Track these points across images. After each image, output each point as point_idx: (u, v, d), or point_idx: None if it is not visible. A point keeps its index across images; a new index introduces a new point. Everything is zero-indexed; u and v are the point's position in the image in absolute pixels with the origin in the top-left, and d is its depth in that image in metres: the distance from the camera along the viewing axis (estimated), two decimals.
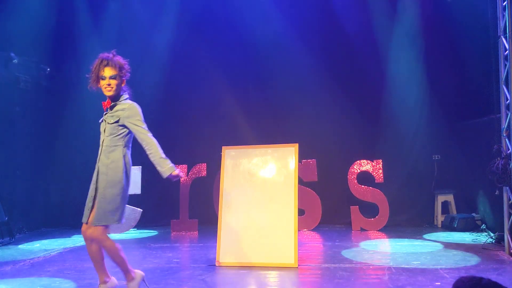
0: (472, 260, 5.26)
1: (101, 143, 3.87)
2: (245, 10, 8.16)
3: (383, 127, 8.00)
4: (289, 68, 8.21)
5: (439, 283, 4.31)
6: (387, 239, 6.79)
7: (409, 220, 7.78)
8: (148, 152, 3.86)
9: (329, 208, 7.90)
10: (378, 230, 7.40)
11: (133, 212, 7.58)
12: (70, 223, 8.13)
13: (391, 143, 7.94)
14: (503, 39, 5.54)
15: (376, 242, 6.60)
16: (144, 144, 3.84)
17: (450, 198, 7.79)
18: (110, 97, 3.80)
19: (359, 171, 7.63)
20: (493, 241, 6.02)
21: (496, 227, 6.08)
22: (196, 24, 8.31)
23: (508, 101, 5.44)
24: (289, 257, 5.07)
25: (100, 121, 3.90)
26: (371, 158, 7.62)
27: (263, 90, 8.20)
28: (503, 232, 5.51)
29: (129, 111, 3.77)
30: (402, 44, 8.00)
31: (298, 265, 5.05)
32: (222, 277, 4.83)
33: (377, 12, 8.02)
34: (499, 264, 5.05)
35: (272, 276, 4.78)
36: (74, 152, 8.30)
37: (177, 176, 3.88)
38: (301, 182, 7.03)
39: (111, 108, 3.80)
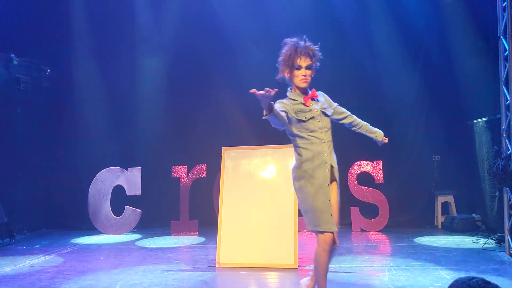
0: (472, 260, 5.26)
1: (322, 140, 3.40)
2: (245, 10, 8.16)
3: (383, 128, 7.90)
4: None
5: (439, 284, 4.31)
6: (387, 240, 6.78)
7: (409, 221, 7.76)
8: (358, 124, 3.87)
9: None
10: (378, 231, 7.39)
11: (133, 213, 7.58)
12: (70, 224, 8.14)
13: (391, 143, 7.89)
14: (503, 40, 5.54)
15: (376, 243, 6.59)
16: (351, 120, 3.81)
17: (450, 198, 7.79)
18: (303, 88, 3.46)
19: (359, 171, 7.62)
20: (493, 242, 6.01)
21: (497, 228, 6.06)
22: (196, 24, 8.29)
23: (508, 101, 5.44)
24: (289, 258, 5.07)
25: (308, 117, 3.39)
26: (371, 158, 7.61)
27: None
28: (503, 232, 5.51)
29: (327, 97, 3.61)
30: (402, 44, 8.00)
31: (298, 266, 5.05)
32: (222, 278, 4.84)
33: (376, 12, 8.02)
34: (500, 264, 5.04)
35: (272, 277, 4.78)
36: (74, 153, 8.30)
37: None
38: None
39: (317, 98, 3.48)
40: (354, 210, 7.57)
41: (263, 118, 3.18)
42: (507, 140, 5.47)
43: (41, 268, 5.31)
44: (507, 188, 5.41)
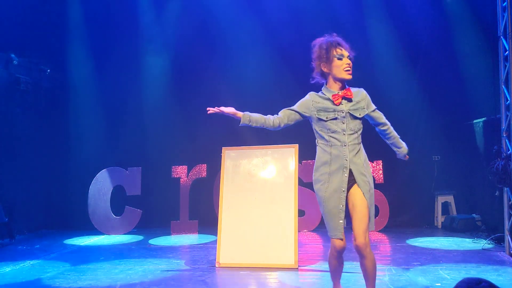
0: (472, 260, 5.26)
1: (343, 142, 3.26)
2: (245, 12, 8.16)
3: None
4: (289, 68, 8.20)
5: (439, 284, 4.31)
6: (387, 240, 6.78)
7: (409, 221, 7.77)
8: (390, 134, 3.69)
9: None
10: (378, 231, 7.39)
11: (133, 213, 7.58)
12: (70, 224, 8.13)
13: None
14: (503, 40, 5.55)
15: (376, 243, 6.59)
16: (385, 128, 3.62)
17: (450, 199, 7.79)
18: (343, 82, 3.28)
19: None
20: (493, 242, 6.01)
21: (497, 228, 6.06)
22: (197, 25, 8.30)
23: (508, 101, 5.44)
24: (289, 258, 5.07)
25: (331, 118, 3.25)
26: (371, 159, 7.56)
27: (262, 90, 8.19)
28: (503, 232, 5.51)
29: (368, 98, 3.37)
30: (401, 45, 8.00)
31: (298, 266, 5.05)
32: (223, 278, 4.83)
33: (376, 12, 8.02)
34: (500, 264, 5.04)
35: (272, 277, 4.78)
36: (74, 153, 8.31)
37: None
38: (301, 183, 7.02)
39: (350, 97, 3.27)
40: None
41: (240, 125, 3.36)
42: (507, 140, 5.47)
43: (41, 268, 5.31)
44: (507, 188, 5.41)
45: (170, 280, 4.65)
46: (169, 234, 7.50)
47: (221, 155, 5.66)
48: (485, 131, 6.71)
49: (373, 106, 3.44)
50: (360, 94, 3.36)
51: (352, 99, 3.28)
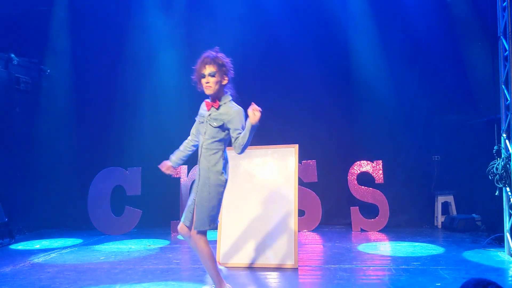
0: (472, 261, 5.26)
1: (200, 144, 3.77)
2: (245, 11, 8.16)
3: (383, 128, 8.00)
4: (289, 68, 8.21)
5: (439, 284, 4.31)
6: (387, 240, 6.79)
7: (409, 221, 7.77)
8: (237, 145, 3.68)
9: (329, 209, 7.89)
10: (378, 231, 7.39)
11: (133, 213, 7.58)
12: (70, 224, 8.13)
13: (391, 143, 7.94)
14: (503, 40, 5.55)
15: (376, 243, 6.60)
16: (238, 147, 3.67)
17: (450, 198, 7.79)
18: (211, 96, 3.71)
19: (359, 171, 7.62)
20: (493, 242, 6.01)
21: (497, 228, 6.06)
22: (196, 25, 8.30)
23: (508, 101, 5.44)
24: (289, 258, 5.07)
25: (200, 121, 3.79)
26: (371, 159, 7.61)
27: (263, 91, 8.18)
28: (503, 232, 5.51)
29: (233, 117, 3.67)
30: (402, 44, 8.00)
31: (298, 266, 5.05)
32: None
33: (376, 12, 8.02)
34: (499, 265, 5.05)
35: (272, 277, 4.78)
36: (74, 153, 8.30)
37: (258, 111, 3.58)
38: (301, 183, 7.03)
39: (217, 109, 3.71)
40: (354, 210, 7.57)
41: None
42: (507, 140, 5.47)
43: (41, 268, 5.31)
44: (507, 188, 5.41)
45: (170, 280, 4.65)
46: (169, 234, 7.49)
47: None
48: (485, 131, 6.71)
49: (236, 126, 3.66)
50: (228, 111, 3.70)
51: (218, 109, 3.72)
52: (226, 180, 3.77)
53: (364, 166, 7.62)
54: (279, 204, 5.30)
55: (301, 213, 7.26)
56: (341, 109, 8.10)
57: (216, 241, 5.36)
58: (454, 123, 7.87)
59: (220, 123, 3.67)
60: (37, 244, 6.83)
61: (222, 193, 3.75)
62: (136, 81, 8.40)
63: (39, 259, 5.81)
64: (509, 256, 5.34)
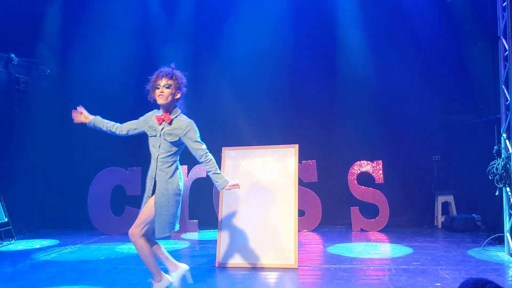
0: (472, 260, 5.26)
1: (155, 157, 3.85)
2: (246, 12, 8.16)
3: (383, 128, 8.00)
4: (289, 68, 8.21)
5: (439, 284, 4.31)
6: (387, 240, 6.79)
7: (409, 221, 7.78)
8: (206, 167, 3.97)
9: (329, 209, 7.89)
10: (378, 231, 7.39)
11: (133, 213, 7.57)
12: (70, 224, 8.13)
13: (391, 143, 7.94)
14: (503, 40, 5.54)
15: (376, 243, 6.60)
16: (202, 159, 3.93)
17: (450, 198, 7.79)
18: (162, 106, 3.82)
19: (359, 172, 7.62)
20: (493, 243, 6.01)
21: (497, 228, 6.06)
22: (196, 25, 8.30)
23: (508, 101, 5.44)
24: (289, 258, 5.07)
25: (151, 133, 3.88)
26: (371, 159, 7.61)
27: (263, 91, 8.20)
28: (503, 232, 5.51)
29: (188, 130, 3.83)
30: (402, 45, 8.00)
31: (298, 266, 5.05)
32: (222, 278, 4.83)
33: (376, 12, 8.02)
34: (499, 265, 5.05)
35: (272, 277, 4.78)
36: (74, 153, 8.30)
37: (233, 186, 3.97)
38: (301, 183, 7.03)
39: (169, 123, 3.84)
40: (354, 210, 7.57)
41: None
42: (507, 140, 5.47)
43: (41, 268, 5.31)
44: (507, 188, 5.41)
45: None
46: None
47: (221, 155, 5.65)
48: (485, 131, 6.71)
49: (193, 139, 3.87)
50: (181, 124, 3.84)
51: (170, 124, 3.83)
52: (182, 188, 3.95)
53: (364, 166, 7.62)
54: (279, 204, 5.30)
55: (301, 213, 7.26)
56: (341, 109, 8.10)
57: (216, 241, 5.36)
58: (454, 123, 7.87)
59: (176, 138, 3.82)
60: (37, 244, 6.83)
61: (180, 201, 3.92)
62: (136, 80, 8.38)
63: (39, 259, 5.81)
64: (509, 256, 5.34)
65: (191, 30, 8.34)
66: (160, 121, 3.83)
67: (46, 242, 6.96)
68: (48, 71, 8.46)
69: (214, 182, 3.98)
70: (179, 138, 3.82)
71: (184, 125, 3.83)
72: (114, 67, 8.25)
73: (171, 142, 3.81)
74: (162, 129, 3.83)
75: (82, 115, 4.23)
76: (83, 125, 8.56)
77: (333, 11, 8.11)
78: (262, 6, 8.19)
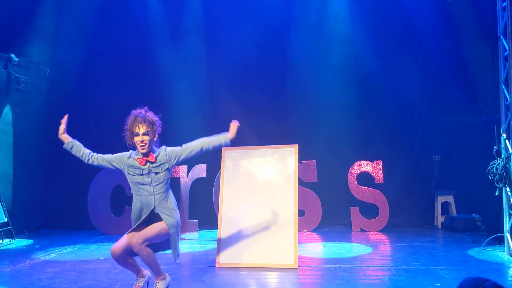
0: (472, 260, 5.26)
1: (151, 192, 3.88)
2: (245, 11, 8.17)
3: (383, 128, 8.00)
4: (289, 68, 8.22)
5: (439, 284, 4.31)
6: (387, 240, 6.79)
7: (409, 221, 7.77)
8: (209, 148, 4.13)
9: (329, 209, 7.89)
10: (378, 231, 7.39)
11: None
12: (70, 224, 8.13)
13: (391, 143, 7.94)
14: (503, 40, 5.54)
15: (376, 243, 6.59)
16: (199, 150, 4.06)
17: (450, 198, 7.79)
18: (144, 154, 3.87)
19: (359, 172, 7.62)
20: (493, 243, 6.01)
21: (497, 228, 6.06)
22: (196, 24, 8.30)
23: (508, 101, 5.44)
24: (289, 258, 5.07)
25: (135, 173, 3.89)
26: (371, 159, 7.61)
27: (263, 91, 8.20)
28: (503, 232, 5.51)
29: (169, 155, 3.93)
30: (402, 45, 8.00)
31: (298, 266, 5.05)
32: (222, 278, 4.83)
33: (376, 12, 8.02)
34: (499, 265, 5.05)
35: (272, 277, 4.78)
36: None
37: (234, 128, 4.18)
38: (301, 183, 7.03)
39: (152, 161, 3.89)
40: (354, 210, 7.57)
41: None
42: (507, 140, 5.47)
43: (41, 268, 5.31)
44: (507, 188, 5.41)
45: (170, 280, 4.64)
46: None
47: (221, 155, 5.66)
48: (485, 131, 6.70)
49: (178, 153, 3.98)
50: (162, 156, 3.92)
51: (155, 161, 3.89)
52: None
53: (364, 166, 7.62)
54: (279, 204, 5.30)
55: (301, 213, 7.26)
56: (341, 109, 8.10)
57: (216, 241, 5.36)
58: (454, 123, 7.88)
59: (165, 167, 3.90)
60: (37, 244, 6.83)
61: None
62: (136, 81, 8.40)
63: (39, 259, 5.81)
64: (509, 256, 5.34)
65: (191, 30, 8.34)
66: (144, 162, 3.87)
67: (46, 242, 6.96)
68: (48, 71, 8.46)
69: (222, 146, 4.11)
70: (168, 167, 3.91)
71: (163, 155, 3.92)
72: (114, 67, 8.25)
73: (165, 170, 3.89)
74: (149, 167, 3.88)
75: (63, 135, 4.20)
76: (83, 125, 8.55)
77: (333, 11, 8.11)
78: (262, 6, 8.19)
